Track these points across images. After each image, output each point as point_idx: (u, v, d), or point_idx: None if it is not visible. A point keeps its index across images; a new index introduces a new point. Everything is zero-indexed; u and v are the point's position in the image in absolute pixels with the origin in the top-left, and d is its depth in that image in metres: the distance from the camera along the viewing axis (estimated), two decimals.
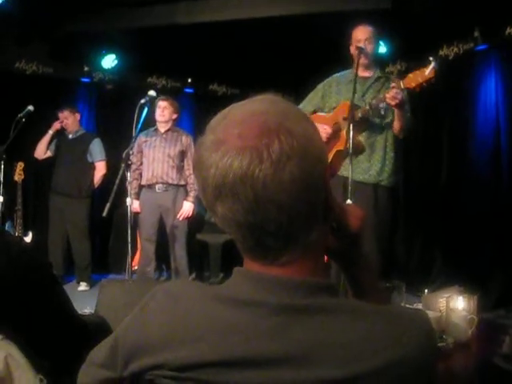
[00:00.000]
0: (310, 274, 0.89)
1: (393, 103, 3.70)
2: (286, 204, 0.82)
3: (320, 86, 4.36)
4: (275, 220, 0.83)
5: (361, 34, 4.07)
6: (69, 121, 6.08)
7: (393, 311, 0.90)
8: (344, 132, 3.91)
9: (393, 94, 3.65)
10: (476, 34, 5.35)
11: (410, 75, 3.61)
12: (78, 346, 1.21)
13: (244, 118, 0.86)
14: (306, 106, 4.38)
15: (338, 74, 4.30)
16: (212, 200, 0.86)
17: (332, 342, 0.81)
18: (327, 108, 4.23)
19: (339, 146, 3.95)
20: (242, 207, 0.83)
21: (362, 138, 4.06)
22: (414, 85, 3.59)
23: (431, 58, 3.55)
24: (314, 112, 4.34)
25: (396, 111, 3.87)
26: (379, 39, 4.20)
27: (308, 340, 0.81)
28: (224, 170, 0.82)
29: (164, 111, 5.37)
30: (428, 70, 3.48)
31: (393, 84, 3.71)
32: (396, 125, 3.97)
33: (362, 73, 4.14)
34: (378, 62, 4.40)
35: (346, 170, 3.94)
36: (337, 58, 4.31)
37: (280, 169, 0.81)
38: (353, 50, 4.04)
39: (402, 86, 3.64)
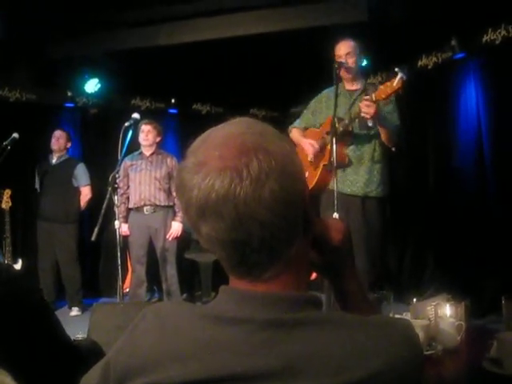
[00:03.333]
0: (294, 288, 0.91)
1: (367, 116, 3.74)
2: (267, 220, 0.85)
3: (312, 103, 4.42)
4: (258, 236, 0.85)
5: (341, 49, 4.11)
6: (60, 141, 6.09)
7: (377, 321, 0.91)
8: (329, 146, 3.95)
9: (364, 108, 3.69)
10: (453, 42, 5.41)
11: (382, 87, 3.67)
12: (71, 371, 1.21)
13: (223, 140, 0.88)
14: (300, 122, 4.44)
15: (327, 90, 4.33)
16: (196, 220, 0.88)
17: (318, 354, 0.82)
18: (318, 124, 4.27)
19: (325, 161, 3.99)
20: (225, 225, 0.85)
21: (348, 151, 4.09)
22: (384, 96, 3.64)
23: (397, 69, 3.59)
24: (306, 128, 4.38)
25: (377, 123, 3.91)
26: (362, 52, 4.22)
27: (295, 353, 0.82)
28: (206, 191, 0.84)
29: (148, 135, 5.40)
30: (396, 81, 3.53)
31: (366, 97, 3.75)
32: (381, 135, 4.01)
33: (349, 86, 4.18)
34: (364, 75, 4.43)
35: (335, 183, 3.99)
36: (320, 73, 4.34)
37: (260, 186, 0.83)
38: (334, 65, 4.08)
39: (374, 99, 3.68)
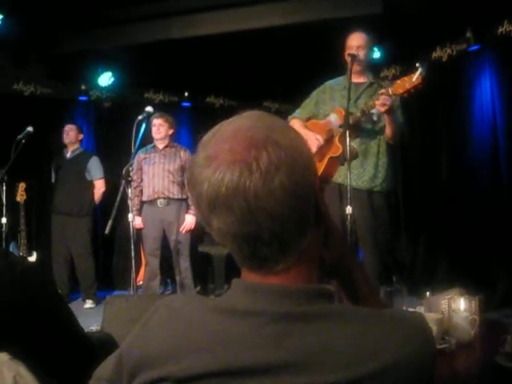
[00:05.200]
0: (306, 281, 0.91)
1: (382, 109, 3.72)
2: (277, 212, 0.85)
3: (314, 93, 4.37)
4: (269, 229, 0.85)
5: (354, 41, 4.08)
6: (70, 134, 6.13)
7: (389, 314, 0.91)
8: (337, 139, 3.93)
9: (382, 101, 3.67)
10: (468, 34, 5.37)
11: (399, 81, 3.63)
12: (85, 363, 1.22)
13: (233, 133, 0.89)
14: (301, 112, 4.38)
15: (331, 81, 4.30)
16: (207, 214, 0.89)
17: (331, 347, 0.82)
18: (321, 115, 4.22)
19: (332, 153, 3.97)
20: (236, 219, 0.85)
21: (354, 144, 4.07)
22: (401, 91, 3.61)
23: (417, 64, 3.56)
24: (309, 119, 4.35)
25: (386, 117, 3.87)
26: (373, 45, 4.20)
27: (307, 346, 0.83)
28: (216, 184, 0.85)
29: (160, 128, 5.41)
30: (415, 77, 3.50)
31: (382, 90, 3.72)
32: (387, 130, 3.97)
33: (356, 79, 4.15)
34: (372, 68, 4.41)
35: (340, 176, 3.97)
36: (332, 65, 4.32)
37: (269, 179, 0.83)
38: (347, 57, 4.06)
39: (391, 93, 3.66)
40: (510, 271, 4.72)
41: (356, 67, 4.05)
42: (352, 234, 3.54)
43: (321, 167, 4.09)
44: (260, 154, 0.84)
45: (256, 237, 0.86)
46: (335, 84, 4.23)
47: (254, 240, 0.87)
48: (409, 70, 3.62)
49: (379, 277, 3.90)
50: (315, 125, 4.24)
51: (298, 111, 4.41)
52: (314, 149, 4.13)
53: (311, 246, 0.92)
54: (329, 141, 4.06)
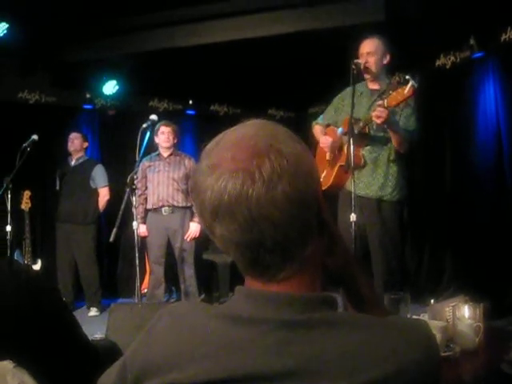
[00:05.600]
0: (309, 289, 0.91)
1: (378, 121, 3.70)
2: (280, 221, 0.85)
3: (334, 100, 4.35)
4: (271, 237, 0.86)
5: (364, 48, 4.04)
6: (75, 142, 6.15)
7: (393, 322, 0.91)
8: (346, 147, 3.92)
9: (377, 113, 3.65)
10: (472, 41, 5.38)
11: (394, 93, 3.61)
12: (89, 370, 1.22)
13: (236, 141, 0.89)
14: (322, 119, 4.40)
15: (351, 87, 4.27)
16: (210, 222, 0.89)
17: (334, 355, 0.82)
18: (340, 122, 4.20)
19: (341, 162, 3.98)
20: (238, 226, 0.86)
21: (364, 152, 4.05)
22: (395, 103, 3.60)
23: (408, 77, 3.55)
24: (328, 125, 4.35)
25: (388, 128, 3.87)
26: (386, 51, 4.09)
27: (310, 353, 0.83)
28: (219, 192, 0.85)
29: (169, 137, 5.45)
30: (407, 89, 3.50)
31: (379, 102, 3.71)
32: (392, 140, 3.96)
33: (371, 85, 4.13)
34: (389, 74, 4.35)
35: (351, 184, 3.96)
36: (338, 73, 4.29)
37: (272, 187, 0.84)
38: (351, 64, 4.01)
39: (386, 105, 3.65)
40: None
41: (366, 75, 4.04)
42: (356, 242, 3.53)
43: (331, 175, 4.10)
44: (262, 162, 0.85)
45: (259, 245, 0.87)
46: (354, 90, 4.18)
47: (257, 248, 0.87)
48: (412, 78, 3.60)
49: (386, 285, 3.87)
50: (333, 131, 4.25)
51: (320, 117, 4.44)
52: (325, 148, 4.15)
53: (314, 254, 0.93)
54: (340, 149, 4.07)
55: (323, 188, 4.05)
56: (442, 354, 1.88)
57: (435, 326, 1.93)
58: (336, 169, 4.08)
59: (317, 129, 4.41)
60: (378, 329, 0.86)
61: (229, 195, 0.85)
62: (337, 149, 4.13)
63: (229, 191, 0.85)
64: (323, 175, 4.19)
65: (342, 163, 3.93)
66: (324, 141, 4.18)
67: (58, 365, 1.43)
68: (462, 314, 2.08)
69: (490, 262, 5.01)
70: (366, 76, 4.08)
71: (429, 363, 0.86)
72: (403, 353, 0.84)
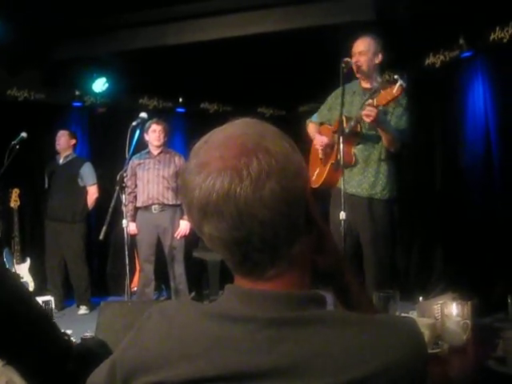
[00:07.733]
0: (297, 287, 0.92)
1: (368, 120, 3.71)
2: (268, 219, 0.85)
3: (329, 98, 4.34)
4: (259, 235, 0.86)
5: (356, 47, 4.03)
6: (62, 140, 6.12)
7: (381, 319, 0.92)
8: (337, 145, 3.93)
9: (367, 112, 3.65)
10: (461, 41, 5.40)
11: (383, 93, 3.62)
12: (62, 361, 1.22)
13: (224, 140, 0.90)
14: (316, 117, 4.40)
15: (346, 86, 4.26)
16: (198, 221, 0.89)
17: (323, 352, 0.83)
18: (333, 120, 4.18)
19: (332, 159, 3.98)
20: (226, 225, 0.86)
21: (356, 150, 4.06)
22: (384, 103, 3.61)
23: (396, 76, 3.56)
24: (322, 124, 4.34)
25: (377, 127, 3.88)
26: (378, 50, 4.06)
27: (300, 351, 0.83)
28: (207, 191, 0.86)
29: (160, 135, 5.43)
30: (395, 88, 3.50)
31: (369, 101, 3.71)
32: (383, 140, 3.96)
33: (364, 84, 4.12)
34: (381, 73, 4.35)
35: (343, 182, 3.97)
36: (328, 72, 4.28)
37: (260, 186, 0.84)
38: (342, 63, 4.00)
39: (375, 104, 3.66)
40: (502, 276, 4.73)
41: (357, 74, 4.04)
42: (346, 239, 3.55)
43: (324, 173, 4.11)
44: (250, 161, 0.85)
45: (247, 243, 0.87)
46: (348, 89, 4.18)
47: (245, 246, 0.87)
48: (400, 77, 3.60)
49: (377, 283, 3.88)
50: (326, 129, 4.25)
51: (315, 115, 4.43)
52: (319, 148, 4.15)
53: (303, 252, 0.93)
54: (332, 147, 4.07)
55: (316, 186, 4.07)
56: (430, 351, 1.89)
57: (423, 323, 1.94)
58: (328, 167, 4.09)
59: (311, 127, 4.41)
60: (367, 327, 0.87)
61: (217, 194, 0.85)
62: (329, 147, 4.13)
63: (217, 190, 0.85)
64: (316, 173, 4.19)
65: (333, 161, 3.93)
66: (320, 141, 4.17)
67: (41, 363, 1.42)
68: (450, 312, 2.10)
69: (479, 259, 5.04)
70: (358, 75, 4.08)
71: (416, 360, 0.87)
72: (391, 350, 0.84)
